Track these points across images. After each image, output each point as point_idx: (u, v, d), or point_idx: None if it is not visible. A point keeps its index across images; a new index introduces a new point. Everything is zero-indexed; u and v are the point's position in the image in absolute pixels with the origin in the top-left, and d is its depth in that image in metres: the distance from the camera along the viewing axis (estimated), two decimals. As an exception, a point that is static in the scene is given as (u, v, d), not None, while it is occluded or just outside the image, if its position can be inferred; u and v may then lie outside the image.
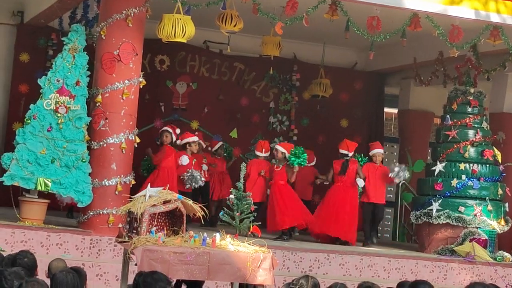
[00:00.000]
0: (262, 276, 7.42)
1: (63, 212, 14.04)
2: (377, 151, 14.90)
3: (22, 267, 6.96)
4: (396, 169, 14.53)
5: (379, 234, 16.16)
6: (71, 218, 13.65)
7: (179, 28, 11.99)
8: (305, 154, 14.12)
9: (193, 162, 14.56)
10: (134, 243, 7.21)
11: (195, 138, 14.83)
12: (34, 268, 7.20)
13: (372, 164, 14.80)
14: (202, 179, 14.43)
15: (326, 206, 14.36)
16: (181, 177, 14.23)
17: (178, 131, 14.60)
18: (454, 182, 14.19)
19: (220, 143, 15.96)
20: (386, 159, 20.29)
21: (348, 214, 14.26)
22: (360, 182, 14.38)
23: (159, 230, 7.52)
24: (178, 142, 14.67)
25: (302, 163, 14.07)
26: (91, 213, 11.84)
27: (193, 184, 14.23)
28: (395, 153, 20.74)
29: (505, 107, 16.41)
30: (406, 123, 18.91)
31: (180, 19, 12.03)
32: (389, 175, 14.52)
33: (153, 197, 7.41)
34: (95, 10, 13.40)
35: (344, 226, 14.22)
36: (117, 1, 12.03)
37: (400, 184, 18.16)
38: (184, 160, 14.29)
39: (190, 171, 14.27)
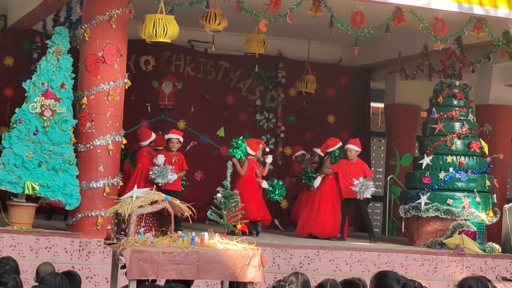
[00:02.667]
0: (252, 273, 7.42)
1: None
2: (350, 147, 14.76)
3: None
4: (359, 184, 14.33)
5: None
6: (50, 220, 13.66)
7: (161, 28, 11.97)
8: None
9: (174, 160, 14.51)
10: (123, 244, 7.20)
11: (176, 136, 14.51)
12: (17, 274, 7.15)
13: (345, 160, 14.73)
14: (174, 175, 14.14)
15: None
16: (150, 173, 14.05)
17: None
18: (442, 175, 14.23)
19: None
20: (374, 154, 20.40)
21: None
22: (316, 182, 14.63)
23: (147, 231, 7.51)
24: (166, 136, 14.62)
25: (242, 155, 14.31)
26: (80, 216, 11.81)
27: (162, 179, 13.94)
28: (382, 148, 20.79)
29: (490, 99, 16.46)
30: (393, 117, 18.95)
31: (162, 19, 12.01)
32: (352, 189, 14.38)
33: (140, 198, 7.40)
34: (78, 12, 13.37)
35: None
36: (100, 2, 12.00)
37: (388, 178, 18.22)
38: (160, 159, 14.06)
39: (160, 166, 14.09)
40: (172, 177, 13.80)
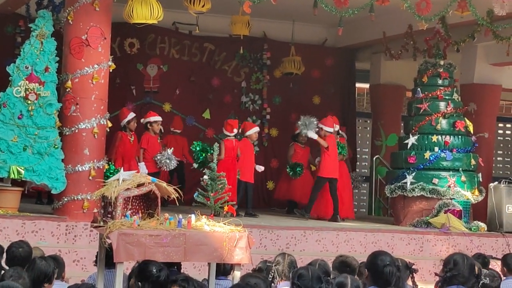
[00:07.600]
0: (239, 255, 7.43)
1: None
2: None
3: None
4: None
5: (355, 209, 16.21)
6: (41, 204, 13.63)
7: (146, 10, 11.94)
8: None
9: (159, 141, 14.64)
10: (109, 227, 7.19)
11: (158, 118, 14.72)
12: (28, 260, 7.15)
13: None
14: (177, 159, 14.52)
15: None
16: (155, 158, 14.22)
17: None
18: (427, 154, 14.27)
19: None
20: (359, 134, 20.43)
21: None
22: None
23: (134, 213, 7.50)
24: (142, 120, 14.67)
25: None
26: (66, 199, 11.80)
27: (167, 166, 14.21)
28: (368, 128, 20.82)
29: (475, 78, 16.51)
30: (378, 98, 18.96)
31: (145, 1, 11.98)
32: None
33: (127, 181, 7.38)
34: (61, -5, 13.30)
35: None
36: (83, -15, 11.94)
37: (374, 158, 18.27)
38: (143, 168, 13.91)
39: (164, 153, 14.27)
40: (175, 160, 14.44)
